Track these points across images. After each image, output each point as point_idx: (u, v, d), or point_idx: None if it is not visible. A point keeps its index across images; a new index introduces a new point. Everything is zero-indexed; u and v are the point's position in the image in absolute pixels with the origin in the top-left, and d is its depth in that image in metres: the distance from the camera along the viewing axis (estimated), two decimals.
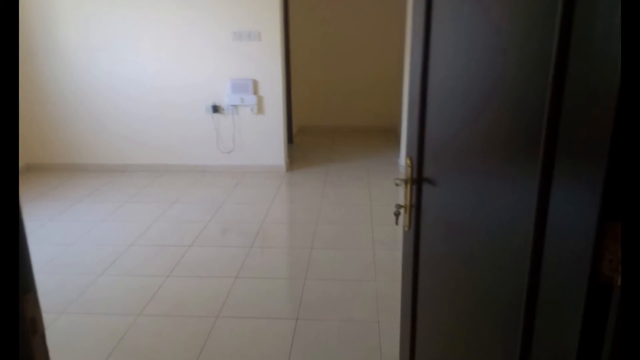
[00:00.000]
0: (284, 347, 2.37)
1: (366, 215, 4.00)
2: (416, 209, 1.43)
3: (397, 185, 1.46)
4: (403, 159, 5.23)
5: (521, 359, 0.83)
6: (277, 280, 3.04)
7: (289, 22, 6.09)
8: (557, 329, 0.72)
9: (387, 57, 7.00)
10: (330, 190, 4.66)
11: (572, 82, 0.66)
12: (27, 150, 5.31)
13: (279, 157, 5.28)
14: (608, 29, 0.57)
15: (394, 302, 2.69)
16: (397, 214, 1.51)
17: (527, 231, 0.78)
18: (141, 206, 4.31)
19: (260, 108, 5.15)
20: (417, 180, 1.41)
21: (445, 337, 1.30)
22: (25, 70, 5.09)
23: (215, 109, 5.14)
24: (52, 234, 3.71)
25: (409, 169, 1.42)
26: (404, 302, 1.62)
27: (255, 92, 5.10)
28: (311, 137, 6.98)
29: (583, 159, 0.64)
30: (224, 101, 5.13)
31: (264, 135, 5.22)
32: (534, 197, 0.76)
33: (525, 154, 0.80)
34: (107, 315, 2.65)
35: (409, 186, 1.43)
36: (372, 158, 5.80)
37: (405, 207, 1.46)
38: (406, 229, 1.50)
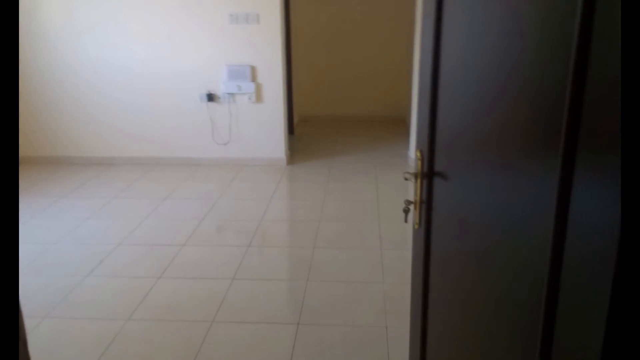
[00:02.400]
0: (285, 354, 2.38)
1: (373, 212, 4.00)
2: (427, 205, 1.43)
3: (406, 179, 1.46)
4: (413, 152, 5.23)
5: None
6: (277, 282, 3.05)
7: (290, 4, 6.08)
8: (579, 334, 0.72)
9: (396, 41, 6.98)
10: (334, 185, 4.66)
11: (595, 68, 0.66)
12: None
13: (279, 150, 5.28)
14: None
15: (403, 306, 2.70)
16: (406, 211, 1.51)
17: (547, 229, 0.78)
18: (130, 202, 4.33)
19: (258, 96, 5.15)
20: (428, 175, 1.41)
21: (459, 342, 1.30)
22: None
23: (210, 97, 5.14)
24: (35, 232, 3.72)
25: (419, 162, 1.42)
26: (414, 305, 1.62)
27: (254, 79, 5.10)
28: (314, 128, 6.98)
29: (607, 151, 0.64)
30: (220, 89, 5.14)
31: (263, 125, 5.22)
32: (554, 192, 0.76)
33: (544, 145, 0.80)
34: (94, 320, 2.66)
35: (419, 181, 1.43)
36: (379, 150, 5.80)
37: (415, 203, 1.47)
38: (416, 227, 1.51)
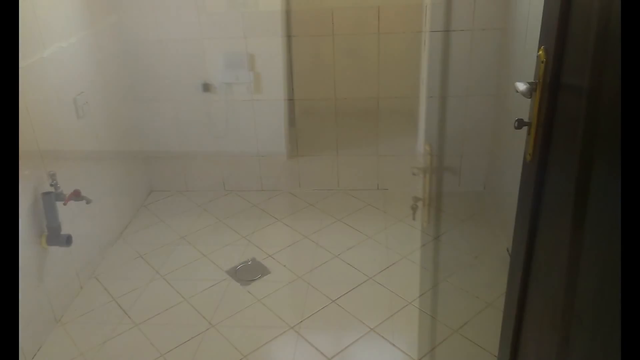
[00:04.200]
0: None
1: (378, 210, 4.00)
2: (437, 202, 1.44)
3: (414, 175, 1.47)
4: (421, 145, 5.22)
5: None
6: (277, 283, 3.05)
7: None
8: (597, 337, 0.73)
9: (404, 28, 6.95)
10: (337, 181, 4.66)
11: (611, 58, 0.67)
12: None
13: (279, 143, 5.27)
14: None
15: (410, 309, 2.70)
16: (414, 208, 1.52)
17: (563, 226, 0.79)
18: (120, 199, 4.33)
19: (257, 86, 5.14)
20: (438, 170, 1.42)
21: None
22: None
23: (206, 87, 5.13)
24: None
25: (429, 157, 1.42)
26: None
27: (252, 68, 5.09)
28: (316, 120, 6.96)
29: (614, 145, 0.64)
30: (216, 79, 5.13)
31: (262, 117, 5.21)
32: (571, 188, 0.77)
33: (561, 139, 0.81)
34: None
35: (428, 176, 1.44)
36: (386, 144, 5.78)
37: (423, 200, 1.47)
38: (425, 224, 1.52)
